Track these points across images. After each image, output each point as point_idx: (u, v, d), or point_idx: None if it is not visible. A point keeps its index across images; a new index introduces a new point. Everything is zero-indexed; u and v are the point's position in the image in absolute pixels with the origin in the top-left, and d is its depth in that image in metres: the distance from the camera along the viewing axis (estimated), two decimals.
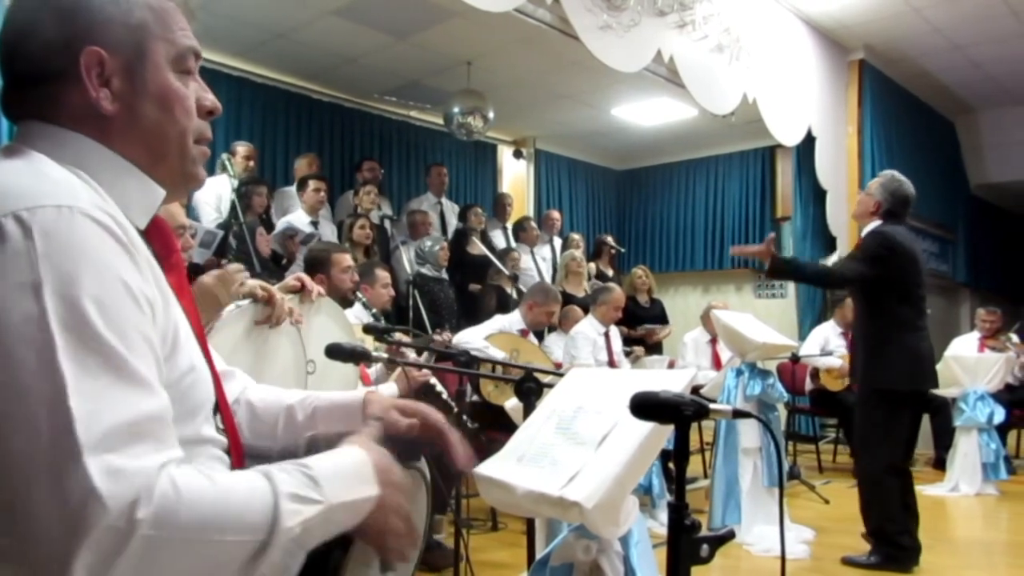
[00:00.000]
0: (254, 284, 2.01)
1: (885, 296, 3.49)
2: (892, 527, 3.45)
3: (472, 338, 4.31)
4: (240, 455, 0.97)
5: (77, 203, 0.76)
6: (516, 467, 1.50)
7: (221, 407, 0.97)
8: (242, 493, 0.74)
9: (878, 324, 3.54)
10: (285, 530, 0.75)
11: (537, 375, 1.94)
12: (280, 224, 5.14)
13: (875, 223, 3.57)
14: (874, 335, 3.55)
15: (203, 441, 0.90)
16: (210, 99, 0.96)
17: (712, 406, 1.08)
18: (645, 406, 1.11)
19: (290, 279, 2.42)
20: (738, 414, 1.07)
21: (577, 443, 1.46)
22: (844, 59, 6.94)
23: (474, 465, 1.22)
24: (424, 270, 5.63)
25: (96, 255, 0.74)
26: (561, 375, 2.02)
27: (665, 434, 1.37)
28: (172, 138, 0.91)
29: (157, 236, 0.93)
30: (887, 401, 3.47)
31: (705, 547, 1.06)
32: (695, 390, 3.27)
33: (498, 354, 4.18)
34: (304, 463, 0.82)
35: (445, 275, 5.80)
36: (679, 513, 1.06)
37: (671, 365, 5.53)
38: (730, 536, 1.10)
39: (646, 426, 1.31)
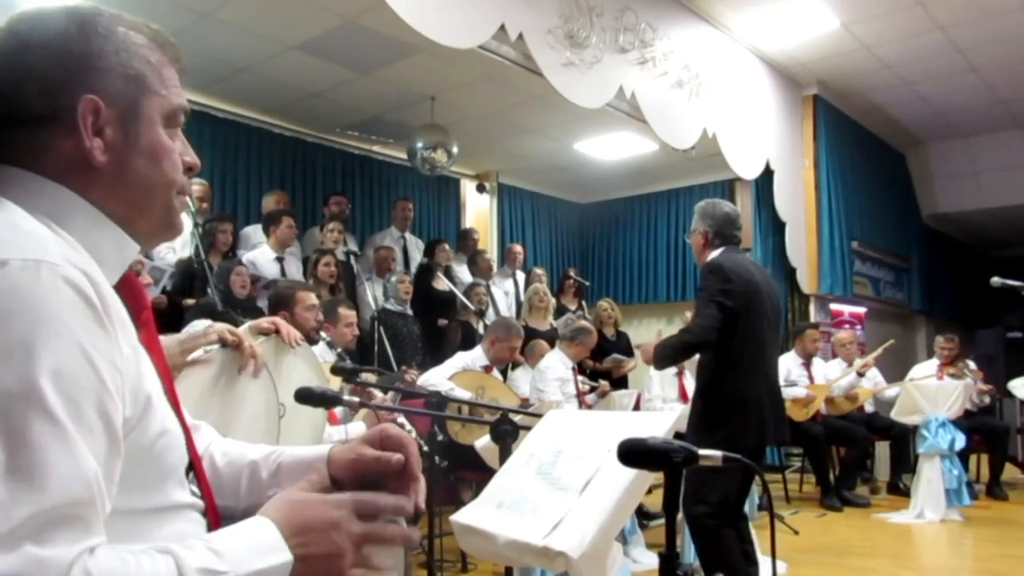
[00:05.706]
0: (222, 328, 1.95)
1: (725, 336, 2.95)
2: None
3: (436, 380, 4.26)
4: (216, 517, 0.92)
5: (47, 257, 0.71)
6: (496, 514, 1.46)
7: (196, 467, 0.92)
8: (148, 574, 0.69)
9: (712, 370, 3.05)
10: None
11: (512, 416, 1.91)
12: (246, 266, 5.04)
13: (713, 254, 3.14)
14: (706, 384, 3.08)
15: (176, 507, 0.86)
16: (191, 156, 0.95)
17: (701, 452, 1.06)
18: (633, 453, 1.08)
19: (263, 321, 2.36)
20: (728, 460, 1.05)
21: (558, 489, 1.43)
22: (799, 94, 7.13)
23: (416, 513, 1.12)
24: (388, 305, 5.57)
25: (58, 317, 0.70)
26: (533, 415, 1.99)
27: (649, 480, 1.35)
28: (158, 192, 0.89)
29: (128, 292, 0.89)
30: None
31: None
32: None
33: (464, 394, 4.14)
34: (205, 537, 0.78)
35: (409, 310, 5.75)
36: (671, 564, 1.04)
37: (638, 399, 5.53)
38: None
39: (630, 472, 1.29)
